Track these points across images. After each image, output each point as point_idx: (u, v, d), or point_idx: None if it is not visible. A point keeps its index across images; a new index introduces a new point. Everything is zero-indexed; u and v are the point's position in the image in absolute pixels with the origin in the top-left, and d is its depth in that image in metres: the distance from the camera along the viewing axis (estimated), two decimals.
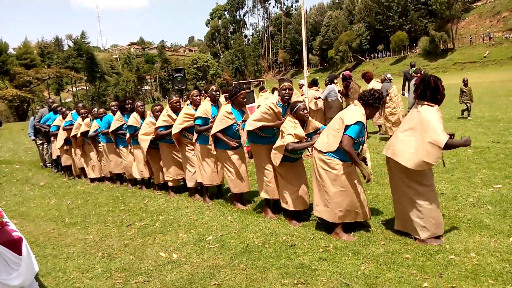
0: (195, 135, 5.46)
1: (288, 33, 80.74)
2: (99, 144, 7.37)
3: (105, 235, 4.76)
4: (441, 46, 57.00)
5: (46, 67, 57.16)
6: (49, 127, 8.67)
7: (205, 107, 5.38)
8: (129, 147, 6.76)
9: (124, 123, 6.69)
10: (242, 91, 5.00)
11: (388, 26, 63.55)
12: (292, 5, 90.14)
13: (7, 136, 20.47)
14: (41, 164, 10.35)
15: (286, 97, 4.54)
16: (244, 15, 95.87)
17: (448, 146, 3.45)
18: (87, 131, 7.37)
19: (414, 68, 10.47)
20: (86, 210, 5.92)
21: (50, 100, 10.31)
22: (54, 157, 9.10)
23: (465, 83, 10.85)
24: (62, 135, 8.04)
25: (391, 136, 9.05)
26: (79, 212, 5.86)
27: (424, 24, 60.71)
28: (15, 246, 2.92)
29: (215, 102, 5.49)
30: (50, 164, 9.84)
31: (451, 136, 3.60)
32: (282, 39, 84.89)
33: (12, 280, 2.84)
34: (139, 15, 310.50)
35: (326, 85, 9.40)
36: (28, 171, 10.08)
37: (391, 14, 63.04)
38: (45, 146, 9.79)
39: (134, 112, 6.50)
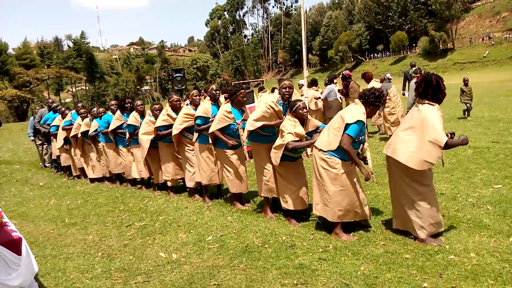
0: (195, 135, 5.46)
1: (288, 33, 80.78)
2: (99, 144, 7.37)
3: (105, 235, 4.75)
4: (440, 46, 57.05)
5: (45, 67, 57.13)
6: (50, 127, 8.67)
7: (205, 106, 5.38)
8: (129, 147, 6.76)
9: (124, 122, 6.69)
10: (241, 90, 5.00)
11: (388, 26, 63.60)
12: (291, 5, 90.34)
13: (7, 137, 20.46)
14: (40, 164, 10.34)
15: (287, 96, 4.55)
16: (243, 15, 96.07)
17: (447, 146, 3.45)
18: (87, 131, 7.37)
19: (414, 68, 10.47)
20: (86, 211, 5.91)
21: (50, 100, 10.31)
22: (54, 157, 9.11)
23: (466, 82, 10.86)
24: (61, 135, 8.04)
25: (390, 135, 9.10)
26: (79, 213, 5.86)
27: (424, 24, 60.76)
28: (14, 246, 2.91)
29: (215, 101, 5.49)
30: (49, 164, 9.84)
31: (452, 135, 3.60)
32: (281, 39, 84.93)
33: (12, 280, 2.83)
34: (139, 15, 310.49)
35: (325, 85, 9.40)
36: (27, 171, 10.07)
37: (390, 14, 63.09)
38: (44, 146, 9.79)
39: (134, 111, 6.51)
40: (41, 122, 9.25)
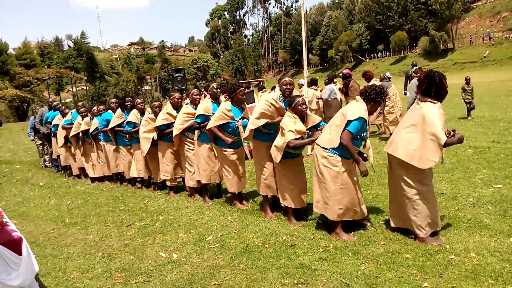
0: (196, 134, 5.46)
1: (288, 33, 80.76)
2: (100, 142, 7.37)
3: (105, 235, 4.75)
4: (441, 46, 57.02)
5: (46, 67, 57.14)
6: (51, 127, 8.67)
7: (206, 104, 5.37)
8: (129, 147, 6.77)
9: (124, 121, 6.69)
10: (241, 88, 5.01)
11: (388, 26, 63.57)
12: (292, 5, 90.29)
13: (7, 136, 20.47)
14: (40, 164, 10.35)
15: (287, 92, 4.54)
16: (244, 15, 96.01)
17: (445, 145, 3.46)
18: (87, 130, 7.38)
19: (414, 68, 10.47)
20: (86, 210, 5.91)
21: (50, 100, 10.32)
22: (54, 156, 9.11)
23: (467, 81, 10.87)
24: (62, 134, 8.04)
25: (390, 134, 9.11)
26: (79, 212, 5.86)
27: (424, 24, 60.73)
28: (15, 246, 2.91)
29: (216, 100, 5.49)
30: (49, 164, 9.85)
31: (453, 131, 3.60)
32: (282, 39, 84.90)
33: (12, 280, 2.83)
34: (139, 15, 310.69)
35: (325, 84, 9.40)
36: (28, 171, 10.08)
37: (391, 14, 63.07)
38: (45, 146, 9.79)
39: (134, 109, 6.52)
40: (42, 121, 9.26)
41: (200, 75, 77.02)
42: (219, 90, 5.55)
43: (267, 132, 4.64)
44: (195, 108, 5.57)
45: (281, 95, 4.60)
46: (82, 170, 8.12)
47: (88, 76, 68.38)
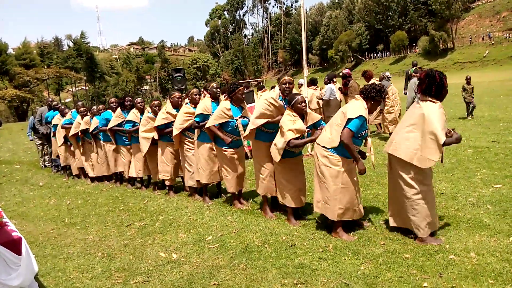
0: (196, 134, 5.46)
1: (288, 33, 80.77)
2: (100, 142, 7.37)
3: (105, 235, 4.75)
4: (440, 45, 57.05)
5: (45, 67, 57.08)
6: (51, 126, 8.68)
7: (205, 103, 5.37)
8: (129, 146, 6.77)
9: (124, 120, 6.69)
10: (240, 87, 5.01)
11: (388, 26, 63.59)
12: (291, 5, 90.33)
13: (7, 136, 20.46)
14: (40, 164, 10.34)
15: (287, 91, 4.54)
16: (243, 15, 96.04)
17: (444, 144, 3.46)
18: (87, 129, 7.37)
19: (414, 68, 10.48)
20: (86, 210, 5.91)
21: (50, 99, 10.32)
22: (53, 157, 9.11)
23: (468, 81, 10.88)
24: (61, 133, 8.04)
25: (390, 134, 9.12)
26: (79, 212, 5.85)
27: (424, 24, 60.77)
28: (14, 246, 2.91)
29: (216, 99, 5.48)
30: (49, 164, 9.84)
31: (452, 130, 3.59)
32: (281, 39, 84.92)
33: (12, 280, 2.83)
34: (139, 15, 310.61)
35: (325, 83, 9.39)
36: (27, 171, 10.07)
37: (390, 13, 63.09)
38: (45, 146, 9.79)
39: (134, 109, 6.53)
40: (41, 120, 9.26)
41: (200, 75, 77.00)
42: (218, 89, 5.55)
43: (268, 131, 4.63)
44: (195, 107, 5.56)
45: (280, 94, 4.60)
46: (82, 170, 8.12)
47: (88, 76, 68.35)
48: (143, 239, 4.47)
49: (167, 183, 6.17)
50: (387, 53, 65.51)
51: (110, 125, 6.79)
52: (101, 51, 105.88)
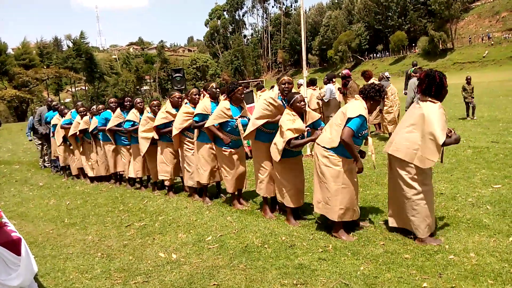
0: (195, 134, 5.45)
1: (287, 33, 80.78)
2: (99, 142, 7.36)
3: (104, 235, 4.75)
4: (440, 46, 57.11)
5: (45, 67, 57.01)
6: (50, 126, 8.67)
7: (205, 103, 5.37)
8: (129, 146, 6.77)
9: (123, 120, 6.68)
10: (239, 87, 5.01)
11: (387, 26, 63.64)
12: (291, 5, 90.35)
13: (6, 137, 20.45)
14: (40, 164, 10.34)
15: (286, 91, 4.54)
16: (243, 15, 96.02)
17: (443, 144, 3.46)
18: (86, 129, 7.37)
19: (413, 68, 10.48)
20: (85, 211, 5.91)
21: (50, 99, 10.32)
22: (52, 157, 9.10)
23: (468, 81, 10.89)
24: (60, 133, 8.04)
25: (390, 133, 9.13)
26: (78, 213, 5.85)
27: (423, 24, 60.80)
28: (14, 246, 2.91)
29: (215, 99, 5.48)
30: (49, 164, 9.84)
31: (452, 130, 3.59)
32: (281, 39, 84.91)
33: (12, 280, 2.83)
34: (139, 15, 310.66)
35: (325, 83, 9.40)
36: (27, 171, 10.06)
37: (390, 14, 63.14)
38: (44, 146, 9.78)
39: (134, 109, 6.53)
40: (40, 120, 9.26)
41: (200, 75, 77.04)
42: (218, 90, 5.55)
43: (268, 131, 4.63)
44: (195, 107, 5.57)
45: (279, 94, 4.60)
46: (81, 170, 8.12)
47: (87, 76, 68.35)
48: (142, 239, 4.47)
49: (166, 183, 6.17)
50: (387, 53, 65.56)
51: (109, 125, 6.78)
52: (101, 51, 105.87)
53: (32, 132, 9.82)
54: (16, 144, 16.49)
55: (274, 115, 4.51)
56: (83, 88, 73.80)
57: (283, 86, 4.55)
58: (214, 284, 3.28)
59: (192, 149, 5.66)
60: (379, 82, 9.30)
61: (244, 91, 5.48)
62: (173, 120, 5.74)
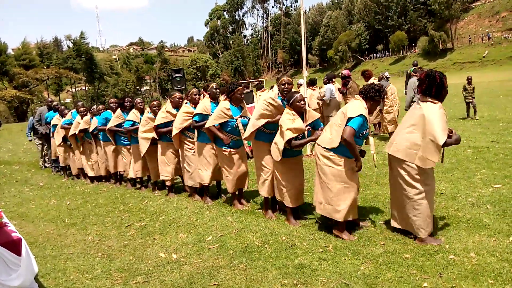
0: (196, 134, 5.46)
1: (287, 33, 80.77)
2: (100, 142, 7.36)
3: (105, 235, 4.75)
4: (440, 46, 57.11)
5: (45, 67, 56.99)
6: (50, 126, 8.67)
7: (205, 104, 5.37)
8: (129, 146, 6.77)
9: (123, 121, 6.68)
10: (239, 87, 5.02)
11: (387, 26, 63.64)
12: (291, 5, 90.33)
13: (7, 137, 20.46)
14: (40, 164, 10.34)
15: (285, 91, 4.55)
16: (243, 15, 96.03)
17: (444, 145, 3.46)
18: (86, 129, 7.37)
19: (413, 68, 10.48)
20: (86, 211, 5.91)
21: (50, 99, 10.32)
22: (53, 157, 9.10)
23: (469, 81, 10.87)
24: (60, 133, 8.04)
25: (390, 133, 9.13)
26: (79, 213, 5.85)
27: (423, 24, 60.79)
28: (14, 247, 2.91)
29: (215, 100, 5.49)
30: (49, 165, 9.84)
31: (452, 130, 3.59)
32: (281, 39, 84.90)
33: (12, 281, 2.83)
34: (139, 15, 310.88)
35: (324, 83, 9.40)
36: (27, 171, 10.07)
37: (390, 14, 63.15)
38: (45, 146, 9.78)
39: (134, 109, 6.54)
40: (40, 120, 9.26)
41: (200, 76, 77.04)
42: (218, 90, 5.55)
43: (268, 132, 4.63)
44: (195, 107, 5.57)
45: (279, 94, 4.61)
46: (81, 170, 8.12)
47: (87, 77, 68.37)
48: (143, 239, 4.47)
49: (168, 183, 6.17)
50: (387, 53, 65.56)
51: (109, 125, 6.78)
52: (101, 51, 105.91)
53: (32, 132, 9.83)
54: (16, 145, 16.50)
55: (274, 115, 4.51)
56: (83, 88, 73.82)
57: (282, 86, 4.56)
58: (215, 284, 3.28)
59: (192, 149, 5.66)
60: (378, 82, 9.31)
61: (244, 91, 5.48)
62: (173, 120, 5.75)
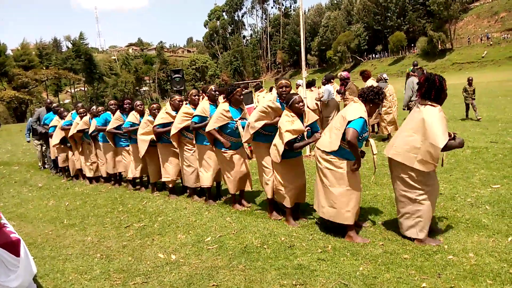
0: (194, 136, 5.46)
1: (287, 34, 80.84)
2: (99, 143, 7.36)
3: (104, 236, 4.75)
4: (439, 46, 57.20)
5: (44, 68, 57.07)
6: (48, 127, 8.66)
7: (204, 106, 5.37)
8: (128, 148, 6.77)
9: (123, 123, 6.68)
10: (238, 89, 5.02)
11: (387, 27, 63.72)
12: (290, 6, 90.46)
13: (6, 138, 20.45)
14: (39, 165, 10.33)
15: (284, 94, 4.55)
16: (242, 16, 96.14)
17: (446, 148, 3.46)
18: (85, 129, 7.37)
19: (412, 67, 10.49)
20: (85, 212, 5.91)
21: (48, 100, 10.31)
22: (52, 157, 9.09)
23: (470, 82, 10.84)
24: (58, 134, 8.03)
25: (388, 134, 9.15)
26: (78, 214, 5.85)
27: (422, 25, 60.88)
28: (13, 248, 2.91)
29: (214, 102, 5.49)
30: (48, 166, 9.83)
31: (454, 134, 3.59)
32: (280, 39, 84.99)
33: (11, 282, 2.83)
34: (138, 16, 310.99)
35: (323, 84, 9.41)
36: (26, 172, 10.06)
37: (389, 14, 63.22)
38: (43, 147, 9.77)
39: (134, 111, 6.54)
40: (38, 120, 9.24)
41: (199, 76, 77.12)
42: (217, 92, 5.55)
43: (267, 134, 4.64)
44: (195, 108, 5.58)
45: (278, 97, 4.62)
46: (80, 171, 8.12)
47: (87, 77, 68.40)
48: (142, 240, 4.47)
49: (170, 185, 6.17)
50: (386, 53, 65.63)
51: (109, 127, 6.78)
52: (100, 52, 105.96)
53: (31, 133, 9.81)
54: (15, 145, 16.49)
55: (271, 117, 4.52)
56: (82, 89, 73.81)
57: (280, 90, 4.56)
58: (213, 285, 3.28)
59: (191, 150, 5.67)
60: (377, 83, 9.32)
61: (243, 92, 5.48)
62: (172, 122, 5.75)
